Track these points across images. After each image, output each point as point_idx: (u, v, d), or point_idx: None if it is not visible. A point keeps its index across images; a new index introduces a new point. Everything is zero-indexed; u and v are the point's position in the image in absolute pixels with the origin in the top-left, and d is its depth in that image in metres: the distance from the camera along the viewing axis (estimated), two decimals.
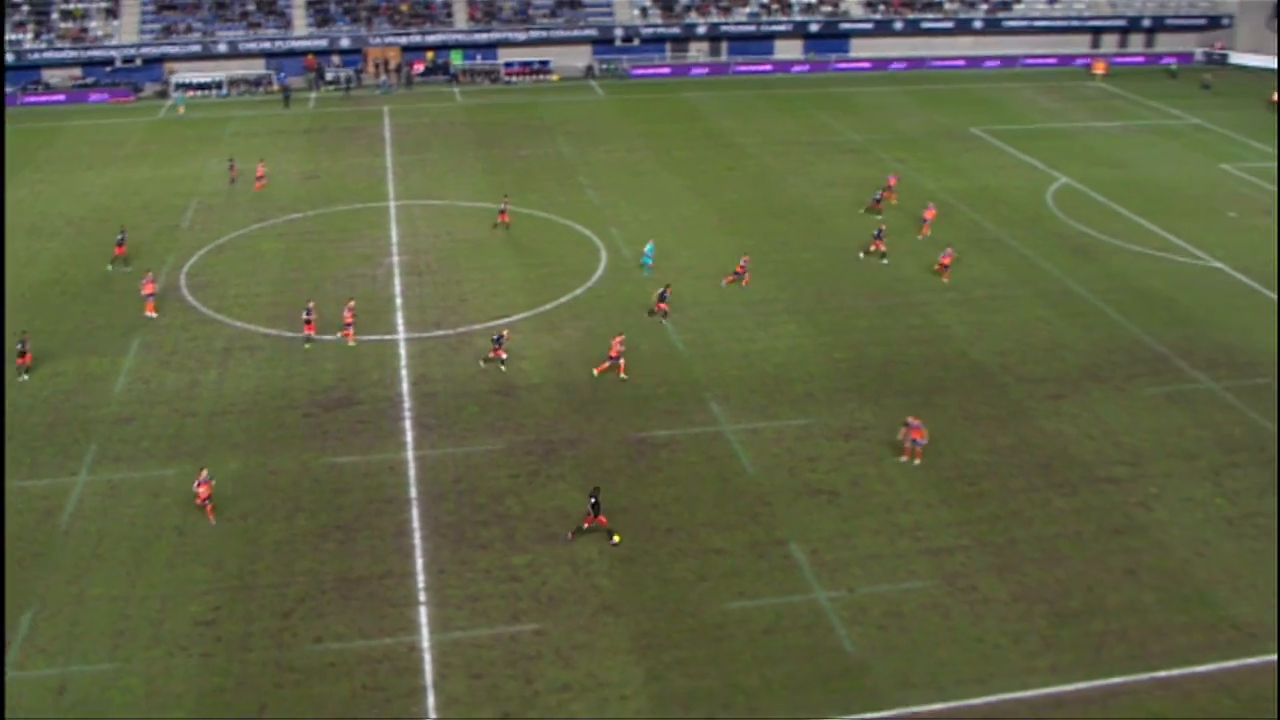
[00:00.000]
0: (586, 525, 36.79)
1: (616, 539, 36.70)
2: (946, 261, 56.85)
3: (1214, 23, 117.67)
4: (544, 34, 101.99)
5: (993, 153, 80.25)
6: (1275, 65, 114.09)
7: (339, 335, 49.16)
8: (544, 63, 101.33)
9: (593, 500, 36.53)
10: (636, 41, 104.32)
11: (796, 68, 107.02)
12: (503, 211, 62.68)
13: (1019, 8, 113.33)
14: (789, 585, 35.01)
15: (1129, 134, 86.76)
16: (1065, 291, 56.02)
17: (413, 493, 39.12)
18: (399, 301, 53.24)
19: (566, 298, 53.75)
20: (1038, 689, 31.39)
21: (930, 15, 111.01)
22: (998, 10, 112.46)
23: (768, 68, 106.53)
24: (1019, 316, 53.10)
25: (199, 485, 37.52)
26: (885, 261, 58.57)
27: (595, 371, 46.46)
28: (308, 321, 48.92)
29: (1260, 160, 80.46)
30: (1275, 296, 55.95)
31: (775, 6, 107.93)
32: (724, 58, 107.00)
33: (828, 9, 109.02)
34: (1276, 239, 63.10)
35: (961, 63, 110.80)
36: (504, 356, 46.97)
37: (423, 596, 34.39)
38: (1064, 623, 33.76)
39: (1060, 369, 48.14)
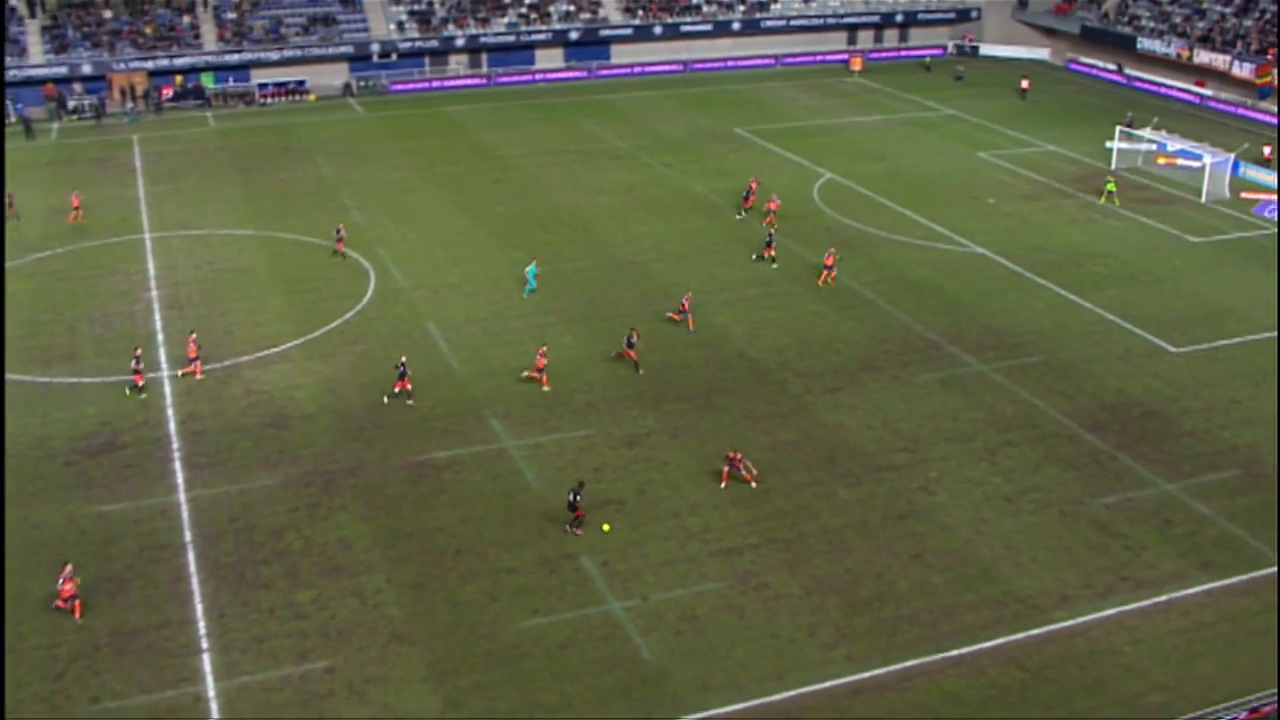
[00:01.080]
0: (578, 517, 37.53)
1: (606, 527, 37.80)
2: (829, 263, 57.77)
3: (963, 16, 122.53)
4: (298, 53, 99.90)
5: (758, 152, 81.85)
6: (1023, 54, 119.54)
7: (181, 373, 47.45)
8: (300, 82, 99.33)
9: (574, 495, 37.20)
10: (394, 57, 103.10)
11: (558, 76, 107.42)
12: (339, 240, 61.10)
13: (776, 8, 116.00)
14: (582, 599, 34.93)
15: (889, 127, 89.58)
16: (837, 285, 57.43)
17: (187, 536, 37.72)
18: (160, 338, 51.37)
19: (336, 323, 52.70)
20: (836, 679, 32.00)
21: (689, 19, 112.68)
22: (755, 11, 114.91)
23: (529, 77, 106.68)
24: (793, 313, 54.21)
25: None
26: (775, 266, 59.53)
27: (524, 374, 47.12)
28: (137, 371, 46.28)
29: (1014, 147, 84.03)
30: (1036, 279, 58.48)
31: (534, 16, 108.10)
32: (485, 70, 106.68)
33: (586, 16, 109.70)
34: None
35: (722, 64, 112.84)
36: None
37: (204, 643, 33.16)
38: (856, 612, 34.51)
39: (836, 362, 49.30)
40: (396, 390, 45.90)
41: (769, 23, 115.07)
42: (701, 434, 43.41)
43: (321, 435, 43.40)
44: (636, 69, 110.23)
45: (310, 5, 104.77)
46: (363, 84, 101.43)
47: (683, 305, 52.94)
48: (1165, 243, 64.50)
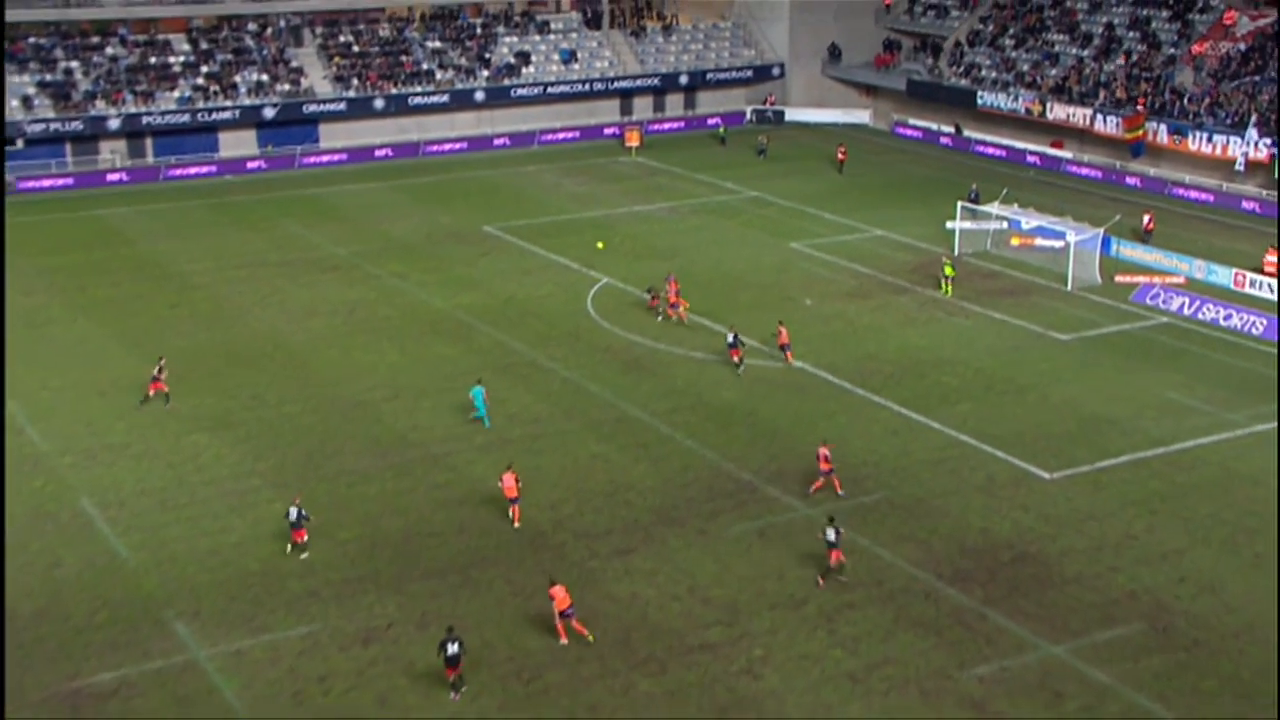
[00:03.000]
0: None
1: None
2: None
3: (762, 74, 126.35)
4: None
5: (514, 255, 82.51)
6: (838, 118, 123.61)
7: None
8: None
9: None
10: (20, 144, 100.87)
11: (251, 165, 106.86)
12: (156, 379, 60.57)
13: (528, 72, 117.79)
14: None
15: (678, 216, 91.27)
16: (622, 418, 57.82)
17: None
18: None
19: None
20: None
21: (419, 88, 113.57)
22: (503, 77, 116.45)
23: (212, 168, 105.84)
24: (569, 457, 54.29)
25: None
26: (741, 370, 62.55)
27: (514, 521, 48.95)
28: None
29: (833, 234, 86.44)
30: (870, 395, 59.78)
31: (214, 88, 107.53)
32: (150, 159, 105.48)
33: (285, 88, 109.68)
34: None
35: (463, 145, 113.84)
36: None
37: None
38: None
39: (627, 516, 49.35)
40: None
41: (521, 91, 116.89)
42: (459, 619, 42.77)
43: None
44: (353, 154, 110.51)
45: None
46: None
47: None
48: (1026, 342, 66.84)
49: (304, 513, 47.31)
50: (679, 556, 46.61)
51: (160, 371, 60.92)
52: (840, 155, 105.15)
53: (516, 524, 48.99)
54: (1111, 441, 55.24)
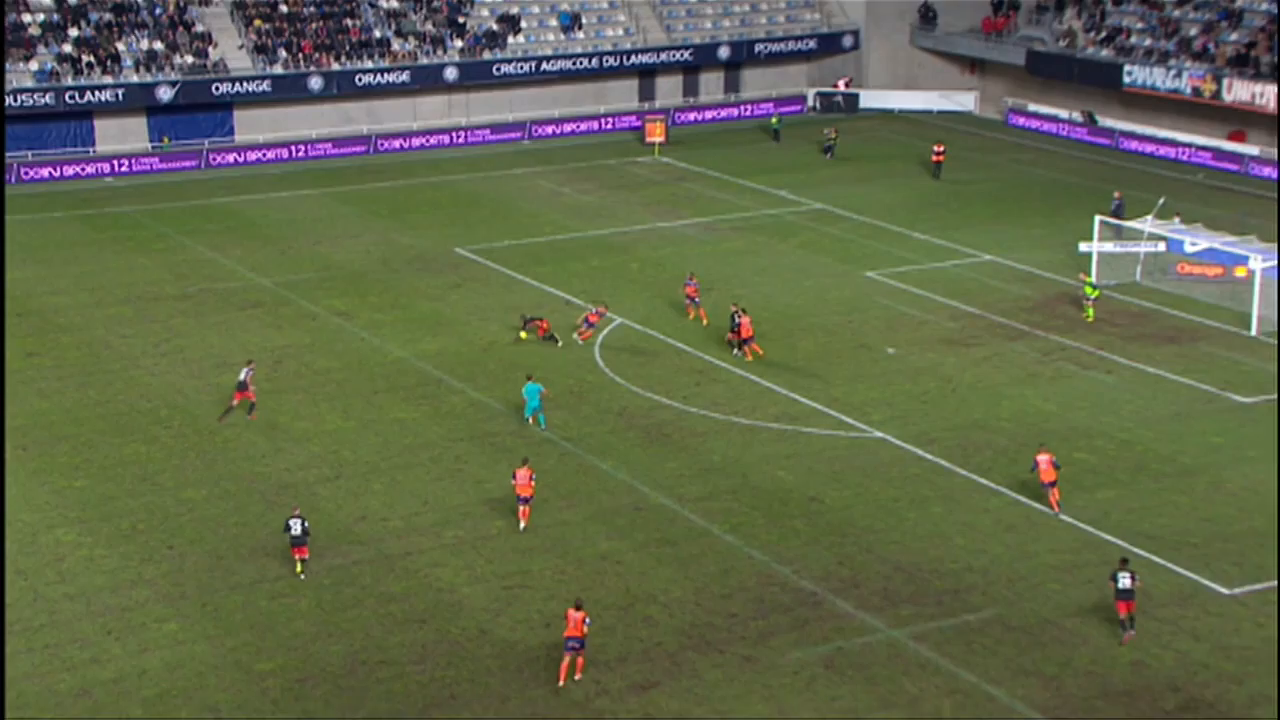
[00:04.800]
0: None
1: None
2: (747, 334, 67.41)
3: (830, 45, 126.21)
4: None
5: (497, 286, 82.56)
6: (932, 104, 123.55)
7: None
8: None
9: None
10: None
11: (141, 164, 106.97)
12: (243, 387, 63.20)
13: (516, 42, 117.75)
14: None
15: (715, 236, 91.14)
16: (642, 505, 57.63)
17: None
18: None
19: None
20: None
21: (369, 64, 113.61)
22: (483, 50, 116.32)
23: (85, 168, 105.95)
24: (571, 558, 53.88)
25: None
26: (737, 353, 67.76)
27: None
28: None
29: (924, 259, 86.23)
30: (975, 477, 59.27)
31: (87, 59, 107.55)
32: None
33: (188, 61, 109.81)
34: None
35: (429, 140, 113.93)
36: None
37: None
38: None
39: (647, 638, 48.82)
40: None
41: (506, 68, 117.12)
42: None
43: None
44: (281, 150, 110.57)
45: None
46: None
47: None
48: (1194, 406, 66.42)
49: (306, 525, 52.47)
50: (717, 693, 46.11)
51: (249, 377, 64.30)
52: (936, 155, 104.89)
53: (524, 524, 55.20)
54: None
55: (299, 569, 52.48)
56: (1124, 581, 47.83)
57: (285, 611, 50.79)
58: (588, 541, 55.16)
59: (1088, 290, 74.17)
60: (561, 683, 45.38)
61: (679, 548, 54.59)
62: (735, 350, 71.53)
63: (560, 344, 72.38)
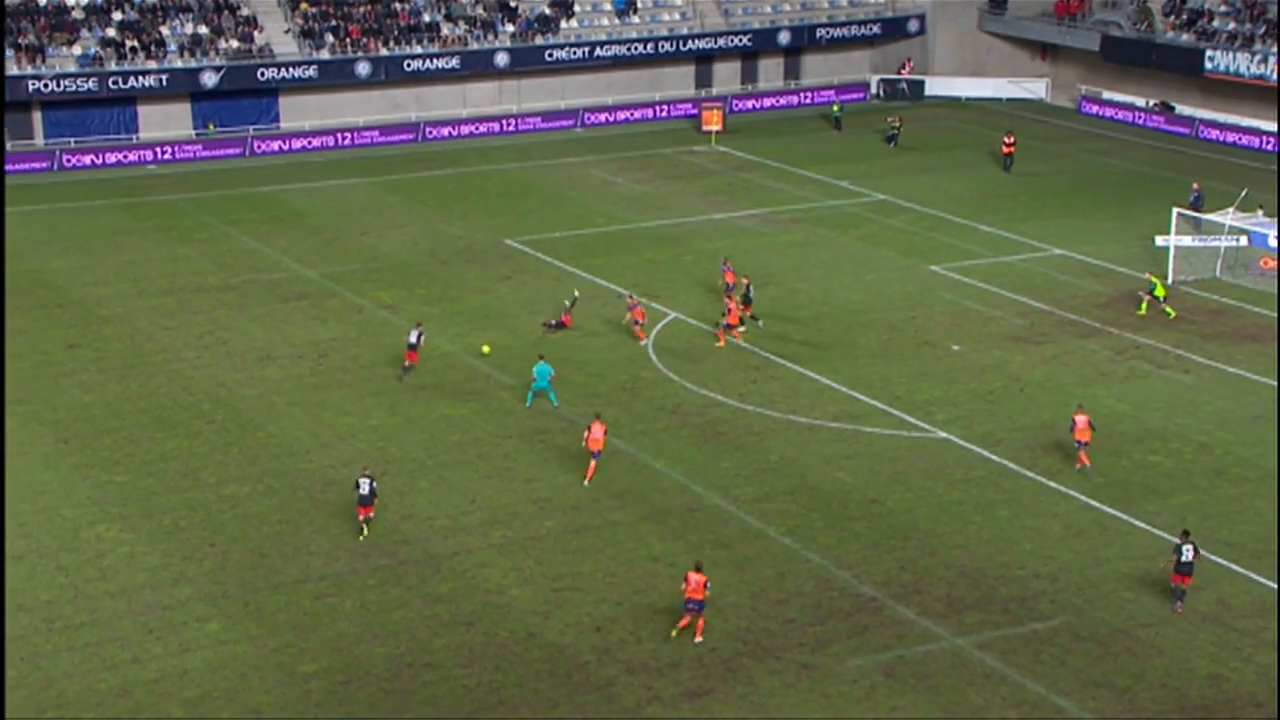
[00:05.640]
0: None
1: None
2: (733, 318, 67.23)
3: (895, 30, 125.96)
4: None
5: (548, 279, 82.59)
6: (1001, 91, 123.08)
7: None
8: None
9: None
10: None
11: (185, 151, 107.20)
12: (413, 346, 65.81)
13: (569, 26, 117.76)
14: None
15: (774, 227, 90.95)
16: (696, 506, 57.49)
17: None
18: None
19: None
20: None
21: (418, 50, 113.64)
22: (534, 34, 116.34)
23: (128, 155, 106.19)
24: (622, 559, 53.85)
25: None
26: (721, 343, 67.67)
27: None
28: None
29: (992, 253, 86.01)
30: (1044, 480, 58.94)
31: (132, 43, 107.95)
32: (40, 142, 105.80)
33: (233, 46, 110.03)
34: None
35: (479, 128, 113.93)
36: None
37: None
38: None
39: (702, 643, 48.61)
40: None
41: (559, 53, 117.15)
42: None
43: None
44: (327, 138, 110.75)
45: None
46: None
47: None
48: (1274, 407, 65.84)
49: (375, 485, 55.17)
50: (773, 701, 45.93)
51: (419, 338, 69.42)
52: (1007, 146, 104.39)
53: (588, 481, 58.71)
54: None
55: (363, 531, 54.98)
56: (1187, 554, 49.53)
57: (329, 612, 50.82)
58: (640, 543, 55.05)
59: (1158, 290, 73.78)
60: (674, 634, 48.23)
61: (734, 550, 54.40)
62: (748, 322, 74.21)
63: (550, 331, 74.23)
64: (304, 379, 69.45)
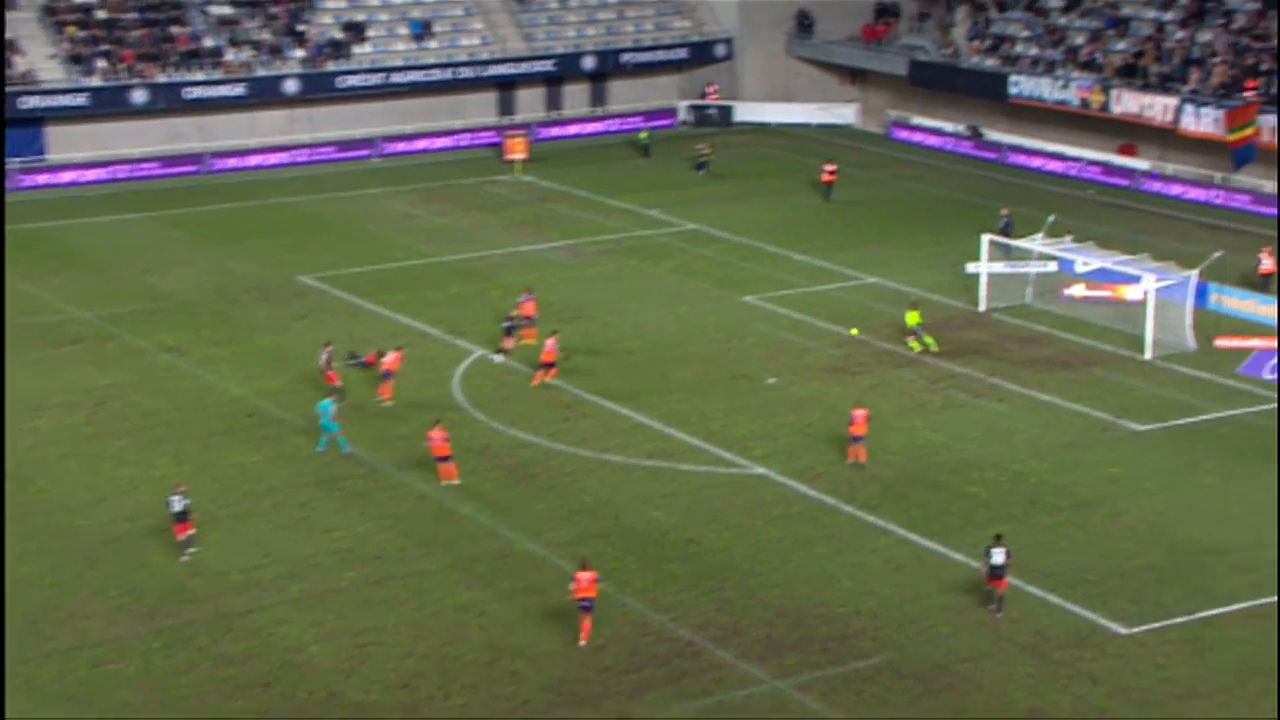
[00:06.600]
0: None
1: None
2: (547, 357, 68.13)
3: (702, 54, 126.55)
4: None
5: (344, 317, 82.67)
6: (810, 117, 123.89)
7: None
8: None
9: None
10: None
11: None
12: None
13: (362, 52, 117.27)
14: None
15: (582, 259, 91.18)
16: (505, 552, 57.59)
17: None
18: None
19: None
20: None
21: (200, 76, 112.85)
22: (325, 59, 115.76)
23: None
24: (428, 610, 53.62)
25: None
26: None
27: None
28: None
29: (806, 282, 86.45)
30: (862, 515, 59.27)
31: None
32: None
33: None
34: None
35: (268, 159, 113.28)
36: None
37: None
38: None
39: (513, 695, 48.54)
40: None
41: (352, 80, 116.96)
42: None
43: None
44: (101, 170, 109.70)
45: None
46: None
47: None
48: (1088, 435, 66.87)
49: (189, 502, 55.76)
50: None
51: (328, 359, 70.14)
52: (827, 175, 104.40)
53: (450, 482, 61.94)
54: (1218, 581, 54.82)
55: (185, 553, 55.87)
56: (997, 557, 51.09)
57: (109, 680, 49.93)
58: (447, 592, 54.82)
59: (911, 319, 74.69)
60: (583, 642, 50.13)
61: (546, 596, 54.18)
62: (500, 355, 75.69)
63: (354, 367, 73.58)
64: (79, 429, 68.51)
